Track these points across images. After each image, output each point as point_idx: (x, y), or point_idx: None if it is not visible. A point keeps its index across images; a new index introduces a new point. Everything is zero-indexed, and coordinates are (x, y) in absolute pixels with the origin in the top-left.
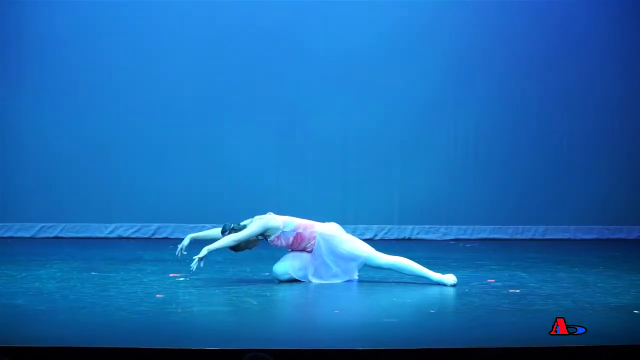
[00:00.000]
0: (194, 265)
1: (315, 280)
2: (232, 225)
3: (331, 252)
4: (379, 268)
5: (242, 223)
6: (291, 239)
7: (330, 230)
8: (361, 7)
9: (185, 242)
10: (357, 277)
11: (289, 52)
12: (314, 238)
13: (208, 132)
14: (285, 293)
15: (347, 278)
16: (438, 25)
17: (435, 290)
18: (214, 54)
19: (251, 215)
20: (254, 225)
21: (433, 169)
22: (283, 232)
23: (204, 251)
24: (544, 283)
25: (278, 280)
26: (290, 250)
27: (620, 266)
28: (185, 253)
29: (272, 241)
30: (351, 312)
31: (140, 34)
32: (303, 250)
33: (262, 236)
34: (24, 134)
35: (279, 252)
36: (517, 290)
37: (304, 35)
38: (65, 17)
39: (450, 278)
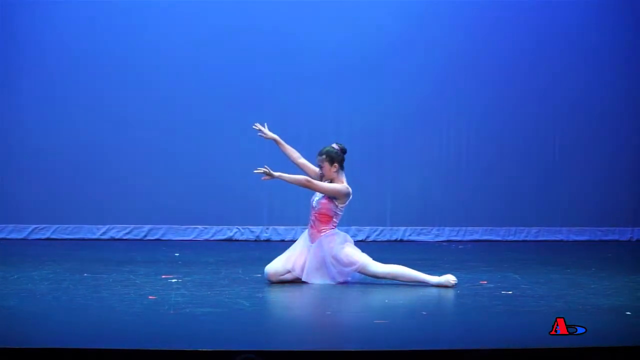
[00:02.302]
0: (259, 170)
1: (308, 280)
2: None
3: (331, 252)
4: (375, 277)
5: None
6: (327, 214)
7: (340, 235)
8: (352, 11)
9: (268, 133)
10: (350, 279)
11: (280, 55)
12: (328, 231)
13: (200, 135)
14: (277, 294)
15: (340, 280)
16: (430, 28)
17: (427, 291)
18: (206, 58)
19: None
20: (334, 187)
21: (425, 171)
22: (338, 208)
23: (276, 174)
24: (537, 284)
25: (270, 281)
26: (312, 214)
27: (612, 267)
28: (259, 133)
29: (322, 198)
30: (343, 314)
31: (132, 38)
32: (311, 228)
33: (326, 194)
34: (17, 136)
35: (271, 253)
36: (510, 292)
37: (296, 38)
38: (60, 21)
39: (449, 279)
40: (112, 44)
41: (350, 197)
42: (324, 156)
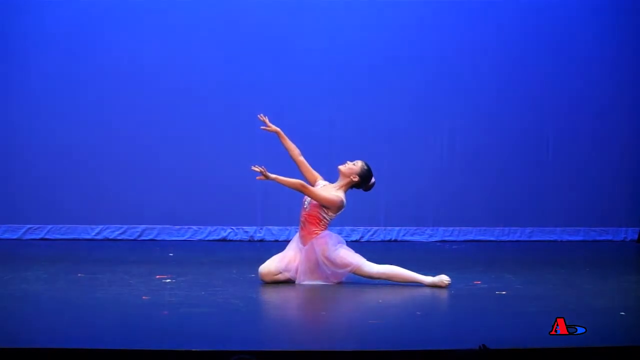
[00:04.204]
0: (256, 167)
1: (301, 282)
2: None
3: (324, 254)
4: (370, 277)
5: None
6: (317, 216)
7: (333, 236)
8: (348, 11)
9: (271, 126)
10: (343, 279)
11: (275, 56)
12: (319, 233)
13: (194, 135)
14: (271, 295)
15: (334, 282)
16: (427, 30)
17: (421, 292)
18: (200, 59)
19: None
20: (328, 196)
21: (419, 171)
22: (328, 215)
23: (272, 175)
24: (531, 285)
25: (264, 281)
26: (302, 215)
27: (606, 268)
28: (262, 126)
29: (315, 202)
30: (337, 314)
31: (129, 38)
32: (302, 230)
33: (318, 202)
34: (10, 136)
35: (265, 253)
36: (504, 292)
37: (290, 40)
38: (57, 21)
39: (443, 279)
40: (105, 46)
41: (343, 209)
42: (364, 168)
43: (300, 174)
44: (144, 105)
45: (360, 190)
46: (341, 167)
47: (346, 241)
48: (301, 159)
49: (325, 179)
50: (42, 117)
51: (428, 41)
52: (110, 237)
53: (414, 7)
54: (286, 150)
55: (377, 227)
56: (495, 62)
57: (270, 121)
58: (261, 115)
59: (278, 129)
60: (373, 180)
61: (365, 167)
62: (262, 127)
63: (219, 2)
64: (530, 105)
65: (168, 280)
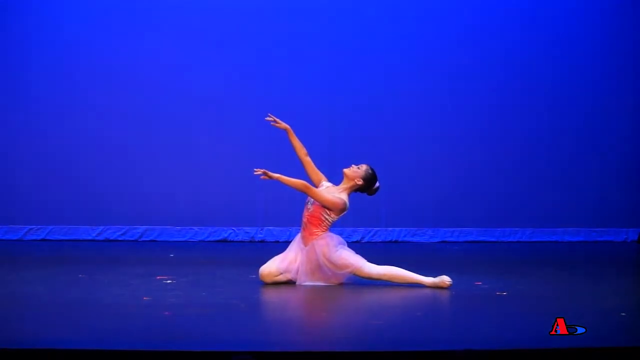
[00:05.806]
0: (259, 171)
1: (302, 283)
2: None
3: (325, 255)
4: (370, 278)
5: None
6: (319, 218)
7: (334, 237)
8: (348, 12)
9: (281, 123)
10: (344, 280)
11: (275, 57)
12: (320, 234)
13: (195, 136)
14: (272, 295)
15: (334, 283)
16: (426, 32)
17: (422, 292)
18: (201, 61)
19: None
20: (331, 199)
21: (420, 172)
22: (330, 217)
23: (275, 175)
24: (531, 285)
25: (264, 282)
26: (304, 215)
27: (607, 268)
28: (272, 123)
29: (318, 204)
30: (338, 315)
31: (129, 38)
32: (303, 231)
33: (321, 203)
34: (11, 137)
35: (266, 254)
36: (505, 293)
37: (292, 39)
38: (55, 22)
39: (444, 279)
40: (108, 46)
41: (345, 212)
42: (369, 172)
43: (305, 174)
44: (144, 106)
45: (364, 194)
46: (346, 170)
47: (347, 242)
48: (307, 159)
49: (328, 181)
50: (43, 118)
51: (428, 43)
52: (111, 238)
53: (416, 8)
54: (293, 149)
55: (378, 228)
56: (495, 63)
57: (268, 122)
58: (269, 115)
59: (287, 126)
60: (377, 185)
61: (370, 172)
62: (272, 124)
63: (219, 3)
64: (530, 105)
65: (169, 281)
